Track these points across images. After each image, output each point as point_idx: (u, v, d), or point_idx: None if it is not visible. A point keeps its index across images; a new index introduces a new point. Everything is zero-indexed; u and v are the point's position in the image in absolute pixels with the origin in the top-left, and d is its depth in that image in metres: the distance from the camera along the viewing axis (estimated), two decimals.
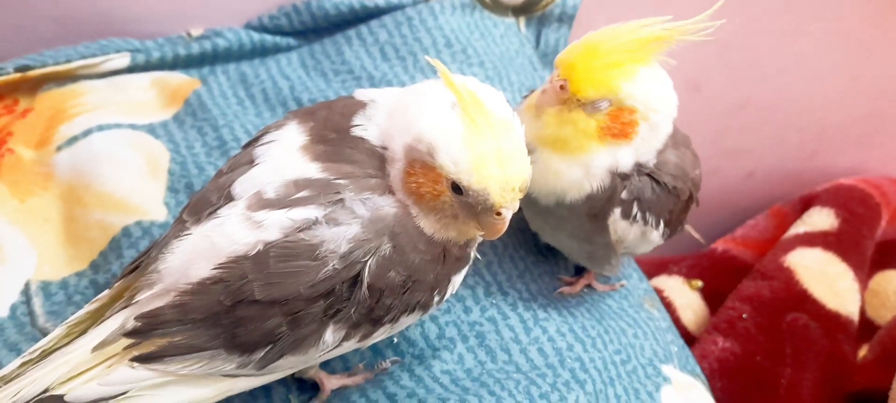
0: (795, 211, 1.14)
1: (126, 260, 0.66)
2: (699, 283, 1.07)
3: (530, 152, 0.52)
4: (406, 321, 0.56)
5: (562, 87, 0.58)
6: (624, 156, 0.61)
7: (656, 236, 0.67)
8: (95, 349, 0.53)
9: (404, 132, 0.51)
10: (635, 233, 0.65)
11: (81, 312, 0.57)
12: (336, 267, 0.50)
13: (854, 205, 1.08)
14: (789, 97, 1.15)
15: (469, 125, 0.49)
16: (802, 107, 1.16)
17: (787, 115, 1.17)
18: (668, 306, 1.02)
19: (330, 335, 0.53)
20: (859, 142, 1.21)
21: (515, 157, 0.50)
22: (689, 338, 0.98)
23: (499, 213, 0.50)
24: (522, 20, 0.93)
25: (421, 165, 0.50)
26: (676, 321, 0.99)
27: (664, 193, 0.64)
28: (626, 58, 0.57)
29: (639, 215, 0.64)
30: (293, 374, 0.61)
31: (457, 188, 0.50)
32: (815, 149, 1.22)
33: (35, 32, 0.79)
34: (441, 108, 0.50)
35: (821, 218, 1.07)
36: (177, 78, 0.81)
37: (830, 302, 0.97)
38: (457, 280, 0.57)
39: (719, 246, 1.13)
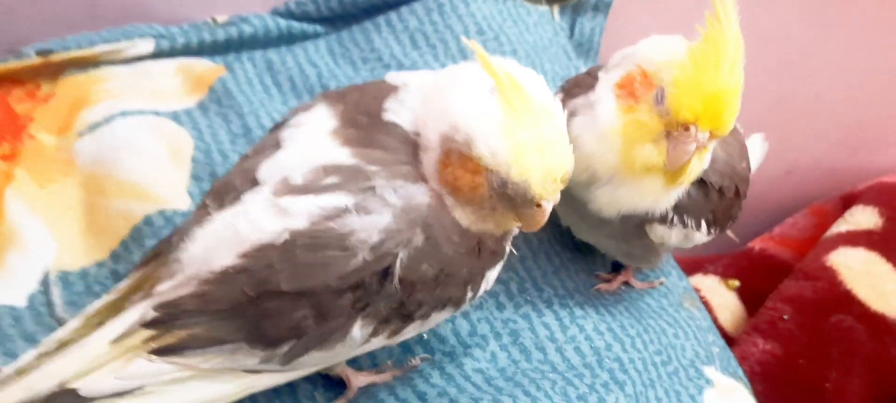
0: (836, 210, 1.13)
1: (148, 251, 0.64)
2: (736, 283, 1.05)
3: (608, 177, 0.52)
4: (437, 317, 0.53)
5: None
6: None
7: (700, 236, 0.63)
8: (113, 341, 0.51)
9: (439, 119, 0.48)
10: (677, 236, 0.62)
11: (99, 302, 0.55)
12: (366, 258, 0.47)
13: None
14: (830, 92, 1.12)
15: (508, 112, 0.46)
16: (844, 102, 1.13)
17: (827, 111, 1.14)
18: (705, 306, 0.99)
19: (358, 330, 0.50)
20: None
21: (557, 146, 0.47)
22: (727, 340, 0.95)
23: (539, 205, 0.48)
24: (556, 8, 0.90)
25: (458, 156, 0.47)
26: (713, 321, 0.96)
27: (704, 196, 0.61)
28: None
29: (675, 219, 0.61)
30: (319, 371, 0.58)
31: (495, 179, 0.47)
32: (855, 146, 1.19)
33: (58, 16, 0.78)
34: (478, 94, 0.47)
35: (864, 217, 1.05)
36: (202, 64, 0.79)
37: (875, 304, 0.95)
38: (491, 275, 0.54)
39: (756, 244, 1.12)
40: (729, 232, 0.84)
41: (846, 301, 0.94)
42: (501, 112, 0.46)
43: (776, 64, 1.06)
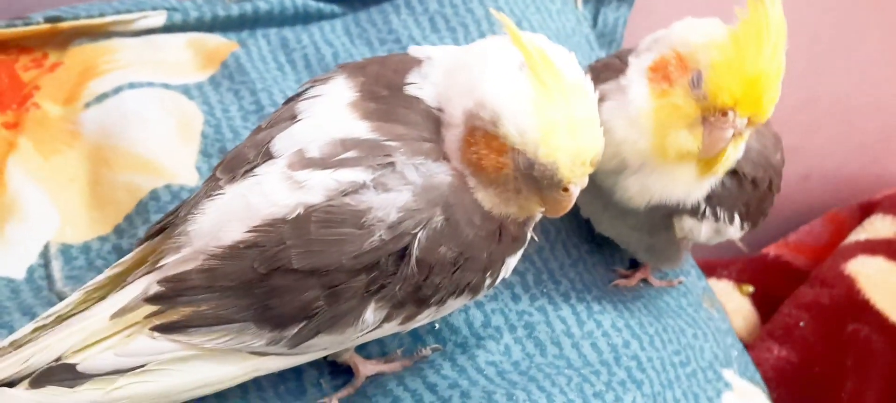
0: (854, 218, 1.12)
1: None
2: (750, 288, 1.05)
3: (639, 165, 0.52)
4: (454, 304, 0.51)
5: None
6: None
7: (733, 231, 0.61)
8: (114, 316, 0.49)
9: (465, 95, 0.46)
10: (707, 231, 0.60)
11: (101, 276, 0.53)
12: (383, 237, 0.45)
13: None
14: (855, 98, 1.10)
15: (538, 89, 0.44)
16: (868, 108, 1.12)
17: (850, 117, 1.13)
18: None
19: (371, 313, 0.49)
20: None
21: (588, 127, 0.45)
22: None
23: (566, 189, 0.46)
24: None
25: (483, 134, 0.45)
26: None
27: (737, 186, 0.59)
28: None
29: (708, 211, 0.58)
30: (326, 357, 0.56)
31: (522, 159, 0.45)
32: (877, 153, 1.17)
33: None
34: (507, 70, 0.45)
35: (884, 226, 1.04)
36: (214, 40, 0.77)
37: (894, 315, 0.94)
38: (511, 262, 0.52)
39: (771, 250, 1.11)
40: (738, 241, 0.82)
41: (864, 310, 0.93)
42: (531, 89, 0.44)
43: (803, 64, 1.04)
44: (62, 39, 0.73)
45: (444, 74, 0.49)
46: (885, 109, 1.12)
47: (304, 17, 0.81)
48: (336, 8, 0.82)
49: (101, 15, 0.73)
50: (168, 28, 0.76)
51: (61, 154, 0.67)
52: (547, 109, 0.44)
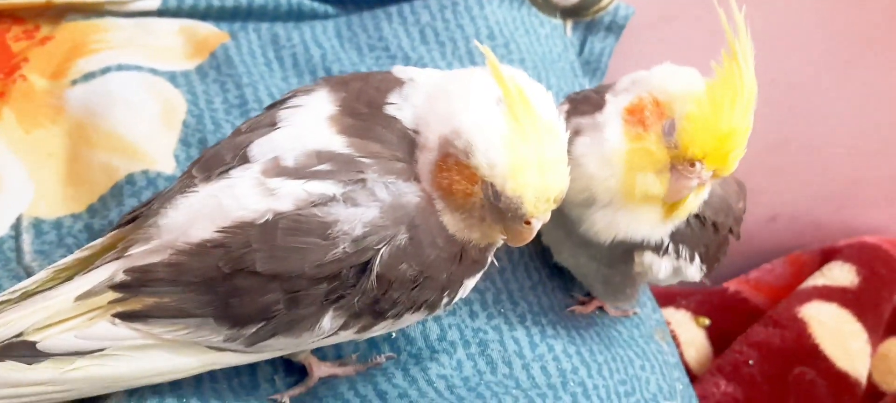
0: (814, 262, 1.12)
1: (126, 209, 0.64)
2: (707, 321, 1.05)
3: (607, 201, 0.53)
4: (410, 318, 0.53)
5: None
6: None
7: (693, 271, 0.63)
8: (79, 298, 0.50)
9: (443, 122, 0.48)
10: (666, 268, 0.61)
11: (70, 258, 0.54)
12: (347, 250, 0.47)
13: (877, 265, 1.06)
14: (826, 145, 1.12)
15: (513, 126, 0.46)
16: (838, 157, 1.13)
17: (820, 163, 1.14)
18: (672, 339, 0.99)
19: (328, 321, 0.50)
20: (890, 201, 1.18)
21: (556, 166, 0.47)
22: (690, 377, 0.95)
23: (528, 222, 0.47)
24: (570, 24, 0.90)
25: (455, 161, 0.47)
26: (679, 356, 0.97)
27: (700, 228, 0.61)
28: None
29: (670, 247, 0.60)
30: (282, 356, 0.58)
31: (490, 191, 0.47)
32: (842, 202, 1.19)
33: None
34: (485, 103, 0.47)
35: (842, 274, 1.05)
36: (206, 28, 0.78)
37: (840, 361, 0.95)
38: (469, 283, 0.54)
39: (731, 286, 1.11)
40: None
41: (812, 354, 0.94)
42: (506, 125, 0.46)
43: (776, 109, 1.06)
44: (55, 13, 0.74)
45: (425, 98, 0.50)
46: (854, 159, 1.14)
47: (298, 15, 0.82)
48: (330, 8, 0.83)
49: None
50: (162, 12, 0.77)
51: (43, 128, 0.68)
52: (518, 146, 0.45)
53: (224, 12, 0.79)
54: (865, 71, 1.04)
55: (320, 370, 0.60)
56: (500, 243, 0.54)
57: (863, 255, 1.07)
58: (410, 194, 0.49)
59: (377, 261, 0.47)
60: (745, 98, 0.51)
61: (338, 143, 0.49)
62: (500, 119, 0.46)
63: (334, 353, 0.62)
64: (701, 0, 0.79)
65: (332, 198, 0.47)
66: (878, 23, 1.00)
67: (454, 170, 0.47)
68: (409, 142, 0.50)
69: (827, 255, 1.11)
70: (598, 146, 0.56)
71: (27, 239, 0.63)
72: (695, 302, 1.07)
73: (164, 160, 0.67)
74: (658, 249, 0.60)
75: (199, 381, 0.57)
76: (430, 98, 0.50)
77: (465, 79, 0.49)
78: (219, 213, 0.48)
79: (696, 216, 0.60)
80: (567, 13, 0.89)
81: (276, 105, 0.53)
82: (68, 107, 0.69)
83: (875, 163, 1.14)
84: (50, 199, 0.66)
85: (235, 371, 0.59)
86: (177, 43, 0.76)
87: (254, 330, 0.49)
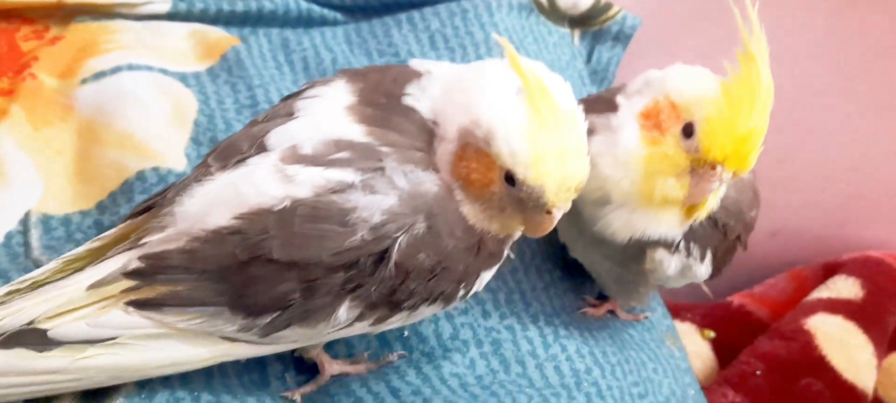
0: (816, 277, 1.13)
1: (136, 207, 0.63)
2: (712, 333, 1.05)
3: (621, 201, 0.54)
4: (425, 311, 0.53)
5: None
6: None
7: (702, 270, 0.63)
8: (91, 287, 0.49)
9: (462, 112, 0.48)
10: (676, 265, 0.61)
11: (81, 248, 0.54)
12: (365, 237, 0.46)
13: (881, 279, 1.06)
14: (829, 159, 1.12)
15: (533, 115, 0.46)
16: (842, 173, 1.14)
17: (823, 178, 1.15)
18: None
19: (344, 311, 0.49)
20: (892, 217, 1.18)
21: (576, 155, 0.47)
22: None
23: (549, 212, 0.47)
24: (577, 33, 0.91)
25: (475, 151, 0.47)
26: None
27: (711, 228, 0.61)
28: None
29: (682, 245, 0.60)
30: (294, 351, 0.58)
31: (510, 179, 0.47)
32: (845, 217, 1.20)
33: None
34: (505, 93, 0.47)
35: (846, 287, 1.06)
36: (216, 33, 0.78)
37: (847, 373, 0.95)
38: (486, 276, 0.53)
39: (736, 299, 1.12)
40: (703, 287, 0.83)
41: (819, 366, 0.94)
42: (526, 114, 0.46)
43: (779, 124, 1.06)
44: (65, 14, 0.74)
45: (443, 90, 0.50)
46: (856, 175, 1.14)
47: (307, 21, 0.82)
48: (339, 15, 0.84)
49: None
50: (172, 16, 0.77)
51: (52, 126, 0.68)
52: (539, 135, 0.45)
53: (234, 17, 0.79)
54: (868, 86, 1.05)
55: (332, 367, 0.59)
56: (517, 235, 0.53)
57: (867, 269, 1.07)
58: (429, 183, 0.48)
59: (395, 249, 0.47)
60: (763, 98, 0.51)
61: (356, 132, 0.49)
62: (521, 109, 0.46)
63: (346, 352, 0.62)
64: (708, 11, 0.80)
65: (351, 186, 0.47)
66: (881, 39, 1.01)
67: (474, 159, 0.47)
68: (427, 133, 0.50)
69: (829, 270, 1.11)
70: (612, 147, 0.56)
71: (35, 235, 0.62)
72: (700, 314, 1.07)
73: (174, 157, 0.67)
74: (669, 246, 0.60)
75: (209, 375, 0.56)
76: (447, 89, 0.50)
77: (483, 71, 0.50)
78: (236, 200, 0.47)
79: (708, 216, 0.60)
80: (575, 22, 0.90)
81: (294, 96, 0.53)
82: (78, 106, 0.69)
83: (877, 178, 1.15)
84: (59, 196, 0.65)
85: (246, 366, 0.58)
86: (187, 46, 0.76)
87: (269, 319, 0.49)
